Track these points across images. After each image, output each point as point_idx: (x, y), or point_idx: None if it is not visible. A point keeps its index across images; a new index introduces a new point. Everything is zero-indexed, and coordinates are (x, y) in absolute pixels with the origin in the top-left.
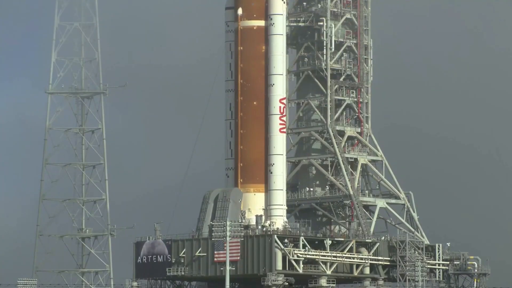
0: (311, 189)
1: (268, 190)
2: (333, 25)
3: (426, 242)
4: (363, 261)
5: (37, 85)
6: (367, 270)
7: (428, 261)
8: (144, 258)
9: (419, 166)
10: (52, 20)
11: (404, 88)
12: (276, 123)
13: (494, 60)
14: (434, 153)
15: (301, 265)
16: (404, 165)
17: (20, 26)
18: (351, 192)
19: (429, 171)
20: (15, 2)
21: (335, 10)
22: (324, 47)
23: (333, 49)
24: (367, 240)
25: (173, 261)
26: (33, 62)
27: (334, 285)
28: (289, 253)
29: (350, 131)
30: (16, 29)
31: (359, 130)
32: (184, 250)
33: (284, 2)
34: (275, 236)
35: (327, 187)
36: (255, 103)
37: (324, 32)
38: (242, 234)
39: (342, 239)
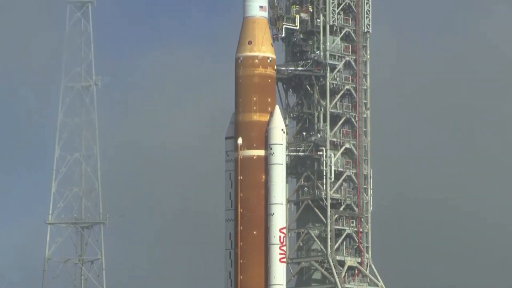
0: None
1: None
2: (332, 155)
3: None
4: None
5: (36, 216)
6: None
7: None
8: None
9: None
10: (52, 150)
11: (404, 217)
12: (276, 252)
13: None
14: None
15: None
16: None
17: (20, 156)
18: None
19: None
20: (16, 132)
21: (335, 139)
22: (324, 177)
23: (332, 179)
24: None
25: None
26: (32, 192)
27: None
28: None
29: (350, 261)
30: (16, 159)
31: (359, 260)
32: None
33: (284, 132)
34: None
35: None
36: (255, 232)
37: (324, 161)
38: None
39: None
